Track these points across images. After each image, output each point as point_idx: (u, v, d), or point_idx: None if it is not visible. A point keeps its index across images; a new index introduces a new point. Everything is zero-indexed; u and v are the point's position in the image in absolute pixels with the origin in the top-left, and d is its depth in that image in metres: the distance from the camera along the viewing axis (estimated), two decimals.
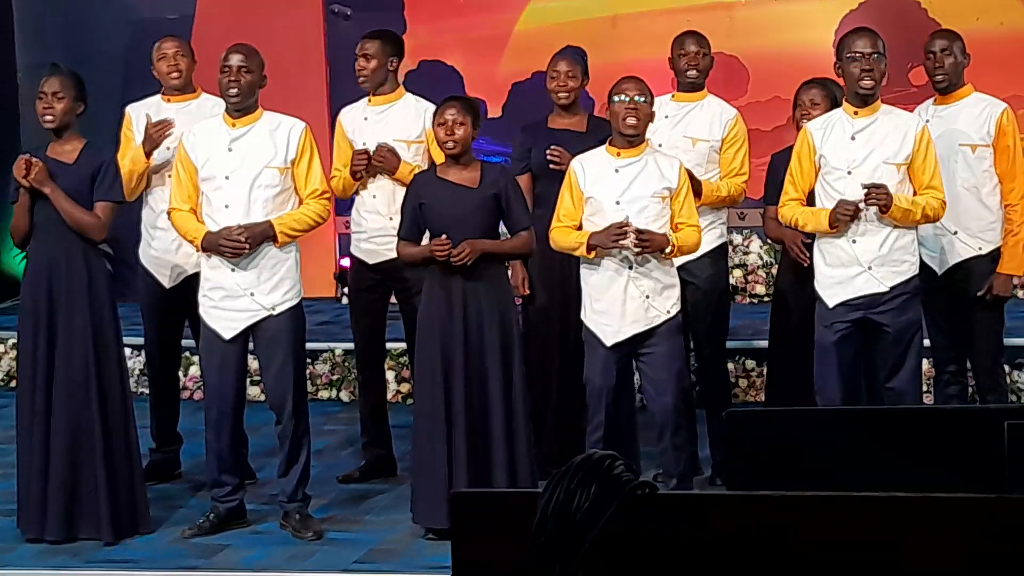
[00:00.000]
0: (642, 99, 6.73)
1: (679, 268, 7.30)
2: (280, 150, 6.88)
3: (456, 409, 6.68)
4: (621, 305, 6.73)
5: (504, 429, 6.70)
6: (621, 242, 6.63)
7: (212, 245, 6.79)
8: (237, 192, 6.82)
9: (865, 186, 6.53)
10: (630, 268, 6.70)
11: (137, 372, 8.89)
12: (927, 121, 7.07)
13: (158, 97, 7.76)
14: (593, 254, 6.73)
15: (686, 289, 7.39)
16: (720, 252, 7.60)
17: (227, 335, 6.89)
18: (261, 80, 6.91)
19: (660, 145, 7.18)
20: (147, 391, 8.08)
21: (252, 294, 6.85)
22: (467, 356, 6.69)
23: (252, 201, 6.82)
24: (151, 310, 7.77)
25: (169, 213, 7.04)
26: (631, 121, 6.72)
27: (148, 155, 7.47)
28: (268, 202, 6.84)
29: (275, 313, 6.87)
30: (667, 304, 6.77)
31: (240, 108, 6.87)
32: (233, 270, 6.84)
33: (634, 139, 6.78)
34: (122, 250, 8.90)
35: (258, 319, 6.88)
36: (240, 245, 6.75)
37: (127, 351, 7.43)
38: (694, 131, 7.44)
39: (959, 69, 7.10)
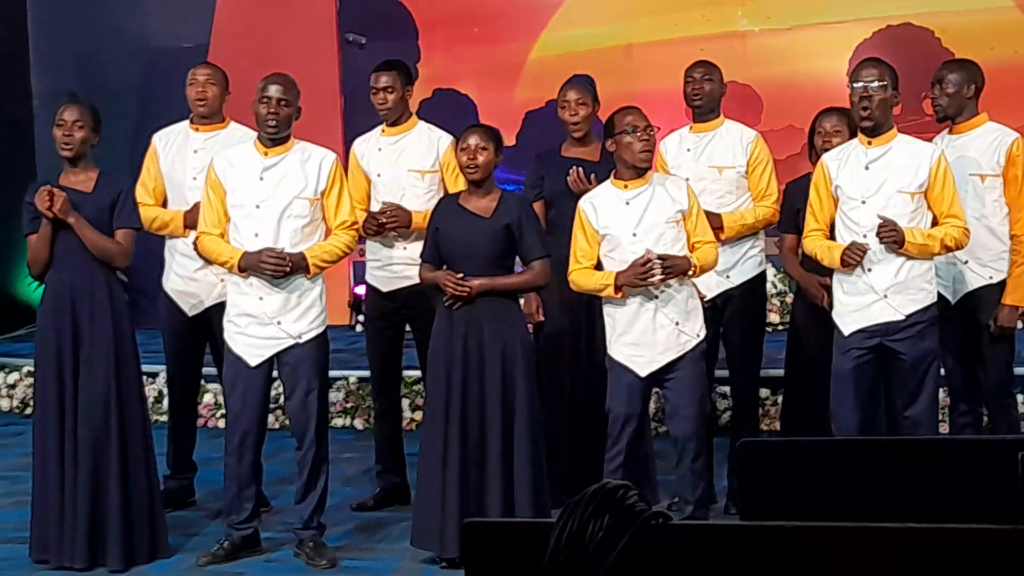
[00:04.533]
0: (652, 129, 6.73)
1: (717, 296, 7.31)
2: (311, 181, 6.89)
3: (452, 435, 6.68)
4: (652, 335, 6.68)
5: (501, 458, 6.66)
6: (650, 280, 6.60)
7: (252, 264, 6.78)
8: (267, 220, 6.83)
9: (881, 217, 6.53)
10: (656, 298, 6.68)
11: (152, 399, 8.89)
12: (942, 150, 7.08)
13: (185, 124, 7.75)
14: (621, 293, 6.70)
15: (724, 314, 7.40)
16: (759, 280, 7.60)
17: (253, 362, 6.90)
18: (297, 112, 6.93)
19: (687, 179, 7.17)
20: (161, 418, 8.08)
21: (279, 322, 6.86)
22: (465, 384, 6.69)
23: (281, 230, 6.83)
24: (173, 338, 7.78)
25: (198, 237, 7.04)
26: (646, 155, 6.72)
27: (187, 227, 7.47)
28: (297, 232, 6.85)
29: (301, 341, 6.89)
30: (695, 327, 6.73)
31: (275, 138, 6.91)
32: (261, 298, 6.85)
33: (644, 170, 6.78)
34: (137, 278, 8.92)
35: (284, 347, 6.90)
36: (283, 263, 6.76)
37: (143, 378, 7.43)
38: (718, 160, 7.43)
39: (959, 100, 7.06)
